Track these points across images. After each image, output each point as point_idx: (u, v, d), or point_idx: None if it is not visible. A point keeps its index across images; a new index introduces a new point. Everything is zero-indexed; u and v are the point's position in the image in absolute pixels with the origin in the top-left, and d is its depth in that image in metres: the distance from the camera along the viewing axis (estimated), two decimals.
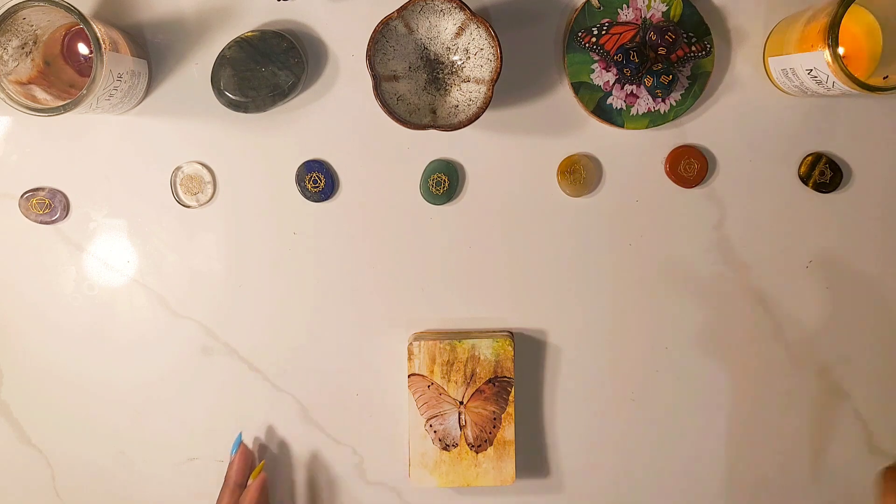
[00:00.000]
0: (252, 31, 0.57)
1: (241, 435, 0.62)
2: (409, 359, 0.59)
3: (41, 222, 0.60)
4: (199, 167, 0.60)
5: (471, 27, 0.54)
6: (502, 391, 0.59)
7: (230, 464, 0.60)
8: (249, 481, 0.60)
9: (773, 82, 0.58)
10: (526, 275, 0.61)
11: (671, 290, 0.62)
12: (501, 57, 0.53)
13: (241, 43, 0.56)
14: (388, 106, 0.54)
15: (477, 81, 0.55)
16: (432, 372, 0.59)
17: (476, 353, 0.59)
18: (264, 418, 0.63)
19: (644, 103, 0.57)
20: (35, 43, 0.53)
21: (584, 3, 0.56)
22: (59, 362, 0.62)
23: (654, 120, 0.58)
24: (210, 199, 0.60)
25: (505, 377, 0.59)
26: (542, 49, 0.59)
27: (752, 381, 0.63)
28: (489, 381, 0.59)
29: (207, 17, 0.58)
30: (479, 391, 0.59)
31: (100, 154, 0.60)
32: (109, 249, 0.61)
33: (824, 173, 0.59)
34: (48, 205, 0.59)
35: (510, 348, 0.59)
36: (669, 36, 0.54)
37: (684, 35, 0.56)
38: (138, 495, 0.64)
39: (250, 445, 0.63)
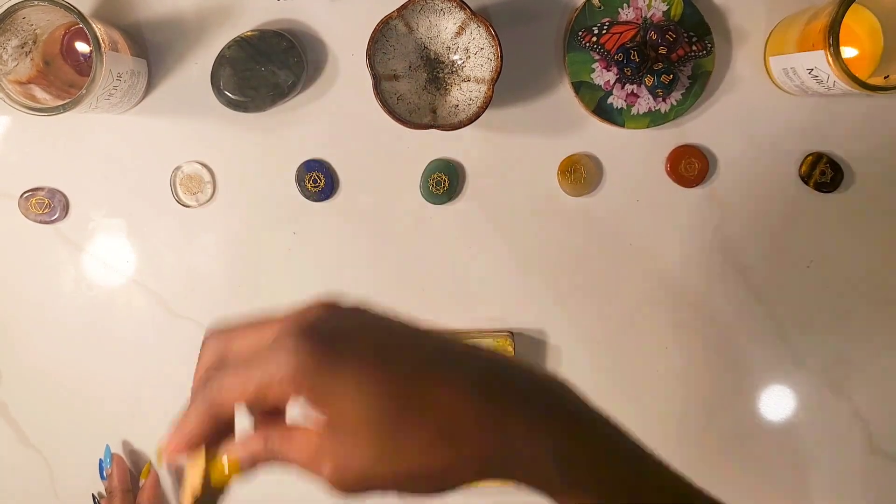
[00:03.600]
0: (252, 31, 0.57)
1: (108, 447, 0.62)
2: None
3: (40, 222, 0.60)
4: (199, 167, 0.59)
5: (471, 26, 0.54)
6: None
7: (109, 476, 0.61)
8: (141, 482, 0.61)
9: (773, 82, 0.58)
10: (526, 275, 0.61)
11: (672, 291, 0.61)
12: (502, 56, 0.53)
13: (240, 42, 0.56)
14: (388, 105, 0.53)
15: (477, 81, 0.55)
16: None
17: None
18: None
19: (645, 103, 0.57)
20: (34, 42, 0.52)
21: (585, 3, 0.56)
22: (58, 362, 0.62)
23: (654, 119, 0.58)
24: (210, 199, 0.60)
25: None
26: (543, 48, 0.59)
27: (753, 381, 0.63)
28: None
29: (207, 16, 0.58)
30: None
31: (99, 154, 0.59)
32: (108, 249, 0.61)
33: (825, 173, 0.59)
34: (47, 204, 0.59)
35: (510, 348, 0.59)
36: (670, 35, 0.54)
37: (685, 34, 0.55)
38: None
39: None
